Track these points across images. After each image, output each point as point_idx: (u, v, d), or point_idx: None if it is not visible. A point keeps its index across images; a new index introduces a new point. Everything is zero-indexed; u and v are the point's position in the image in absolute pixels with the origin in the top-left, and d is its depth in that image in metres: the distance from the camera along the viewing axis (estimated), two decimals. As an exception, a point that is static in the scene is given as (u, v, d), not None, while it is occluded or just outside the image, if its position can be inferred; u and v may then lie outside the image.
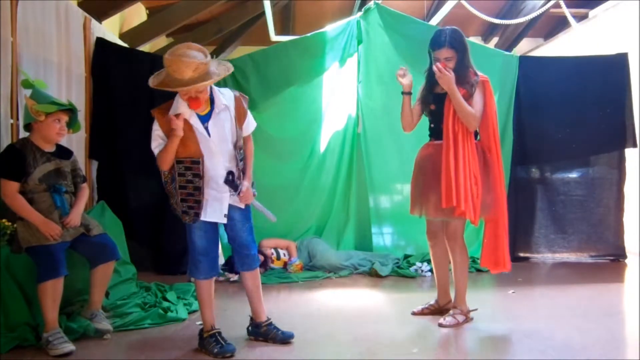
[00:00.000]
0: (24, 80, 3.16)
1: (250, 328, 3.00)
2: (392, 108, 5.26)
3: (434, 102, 3.21)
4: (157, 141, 2.69)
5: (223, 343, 2.75)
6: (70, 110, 3.10)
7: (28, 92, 3.13)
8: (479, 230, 5.42)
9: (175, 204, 2.73)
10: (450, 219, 3.18)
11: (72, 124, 3.15)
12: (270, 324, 2.95)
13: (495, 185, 3.14)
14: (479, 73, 3.14)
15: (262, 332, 2.93)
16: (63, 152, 3.16)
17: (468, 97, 3.08)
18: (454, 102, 3.05)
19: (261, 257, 4.81)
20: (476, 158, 3.08)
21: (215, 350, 2.71)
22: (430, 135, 3.29)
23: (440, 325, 3.14)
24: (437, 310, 3.36)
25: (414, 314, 3.38)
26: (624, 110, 5.42)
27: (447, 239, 3.24)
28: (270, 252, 4.94)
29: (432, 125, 3.26)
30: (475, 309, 3.29)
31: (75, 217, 3.04)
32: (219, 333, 2.80)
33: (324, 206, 5.38)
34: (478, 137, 3.20)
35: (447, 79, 3.02)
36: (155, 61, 5.01)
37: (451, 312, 3.22)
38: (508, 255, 3.23)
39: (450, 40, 3.10)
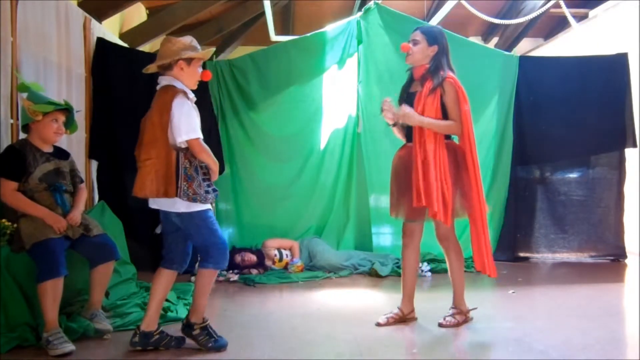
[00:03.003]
0: (19, 83, 3.17)
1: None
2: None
3: (407, 101, 3.20)
4: (198, 129, 2.64)
5: (216, 336, 2.78)
6: (67, 111, 3.11)
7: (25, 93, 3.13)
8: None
9: (198, 187, 2.61)
10: (425, 221, 3.16)
11: (69, 125, 3.16)
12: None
13: (470, 186, 3.07)
14: (449, 73, 3.11)
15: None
16: (61, 153, 3.18)
17: (432, 90, 3.06)
18: (429, 128, 3.04)
19: (252, 257, 4.79)
20: (446, 158, 3.03)
21: (210, 344, 2.75)
22: (406, 136, 3.26)
23: (441, 325, 3.14)
24: (402, 318, 3.21)
25: (378, 324, 3.17)
26: (624, 110, 5.43)
27: (439, 241, 3.21)
28: (273, 253, 4.93)
29: (407, 125, 3.24)
30: (475, 308, 3.29)
31: (77, 215, 3.05)
32: (210, 324, 2.82)
33: (324, 206, 5.38)
34: (451, 136, 3.17)
35: (407, 115, 3.06)
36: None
37: (451, 311, 3.21)
38: (492, 260, 3.15)
39: (424, 29, 3.20)
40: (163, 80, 2.72)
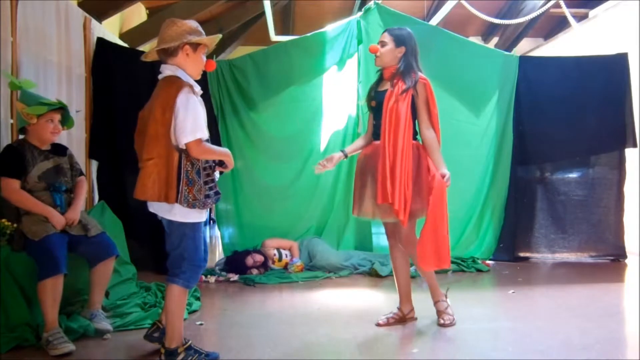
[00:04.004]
0: (10, 82, 3.16)
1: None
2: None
3: (375, 98, 3.22)
4: (204, 128, 2.43)
5: (204, 351, 2.56)
6: (62, 108, 3.12)
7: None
8: (479, 229, 5.44)
9: (198, 192, 2.41)
10: (387, 219, 3.15)
11: (65, 122, 3.16)
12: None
13: (432, 184, 3.06)
14: (420, 75, 3.13)
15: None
16: (59, 149, 3.19)
17: (404, 90, 3.06)
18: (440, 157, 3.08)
19: (261, 257, 4.82)
20: (411, 159, 3.04)
21: None
22: (372, 134, 3.27)
23: (442, 325, 3.14)
24: (402, 319, 3.22)
25: (378, 325, 3.17)
26: (624, 110, 5.43)
27: (403, 246, 3.18)
28: (272, 252, 4.94)
29: (374, 123, 3.25)
30: (447, 289, 3.30)
31: (74, 215, 3.05)
32: (192, 343, 2.59)
33: (324, 206, 5.38)
34: (418, 137, 3.17)
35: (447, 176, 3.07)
36: (155, 61, 5.03)
37: (440, 307, 3.21)
38: (448, 252, 3.10)
39: (392, 31, 3.20)
40: (166, 70, 2.49)
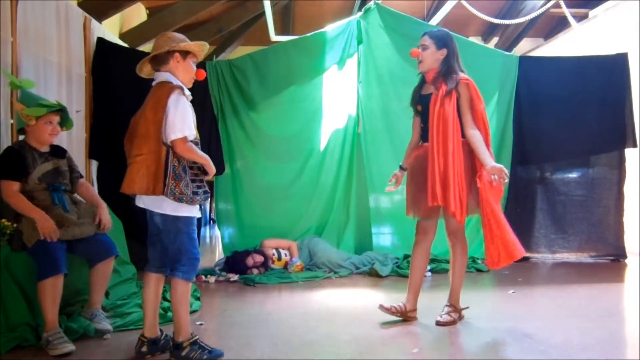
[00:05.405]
0: (10, 82, 3.16)
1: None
2: (391, 108, 5.29)
3: (421, 102, 3.24)
4: (192, 128, 2.54)
5: (209, 348, 2.62)
6: (61, 110, 3.12)
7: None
8: (478, 229, 5.43)
9: (185, 187, 2.51)
10: (439, 218, 3.18)
11: (64, 123, 3.16)
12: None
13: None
14: (462, 75, 3.13)
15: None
16: (58, 151, 3.19)
17: (448, 92, 3.07)
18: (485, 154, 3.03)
19: (261, 258, 4.83)
20: (462, 157, 3.05)
21: (205, 356, 2.58)
22: (421, 137, 3.29)
23: (438, 323, 3.15)
24: (403, 314, 3.22)
25: (381, 306, 3.23)
26: (624, 110, 5.43)
27: (448, 235, 3.23)
28: (271, 252, 4.95)
29: (422, 126, 3.27)
30: (467, 307, 3.30)
31: (106, 217, 3.18)
32: (198, 339, 2.64)
33: (324, 206, 5.39)
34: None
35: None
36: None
37: (446, 309, 3.23)
38: (510, 248, 2.99)
39: (432, 33, 3.22)
40: (159, 77, 2.63)
